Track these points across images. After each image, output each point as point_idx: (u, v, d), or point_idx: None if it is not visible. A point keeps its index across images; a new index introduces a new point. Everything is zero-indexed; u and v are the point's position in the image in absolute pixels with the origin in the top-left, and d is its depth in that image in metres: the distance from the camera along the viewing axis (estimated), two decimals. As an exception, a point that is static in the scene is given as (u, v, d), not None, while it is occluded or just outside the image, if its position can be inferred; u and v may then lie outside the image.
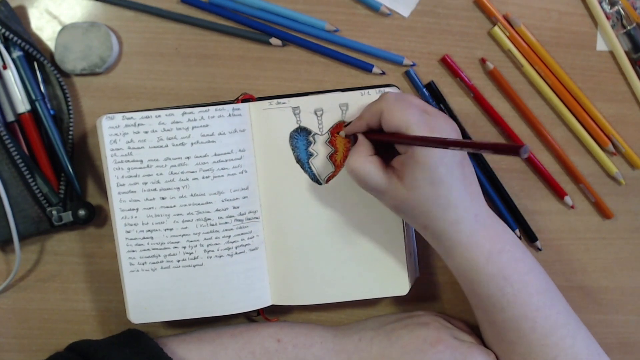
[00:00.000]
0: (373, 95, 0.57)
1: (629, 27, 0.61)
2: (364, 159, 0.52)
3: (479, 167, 0.63)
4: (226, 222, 0.59)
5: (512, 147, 0.40)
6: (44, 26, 0.62)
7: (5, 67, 0.59)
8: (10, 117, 0.60)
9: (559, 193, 0.64)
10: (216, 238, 0.59)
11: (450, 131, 0.52)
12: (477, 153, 0.46)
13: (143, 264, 0.59)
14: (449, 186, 0.51)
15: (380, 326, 0.60)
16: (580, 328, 0.55)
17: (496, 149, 0.41)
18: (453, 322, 0.62)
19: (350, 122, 0.57)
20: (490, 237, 0.53)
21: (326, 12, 0.62)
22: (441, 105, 0.62)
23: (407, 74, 0.62)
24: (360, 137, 0.54)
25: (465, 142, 0.45)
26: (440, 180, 0.50)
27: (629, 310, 0.66)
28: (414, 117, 0.50)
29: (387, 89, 0.57)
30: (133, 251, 0.58)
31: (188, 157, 0.58)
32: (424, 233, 0.54)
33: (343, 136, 0.58)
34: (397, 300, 0.64)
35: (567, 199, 0.63)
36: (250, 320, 0.65)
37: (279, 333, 0.60)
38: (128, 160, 0.58)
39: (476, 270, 0.53)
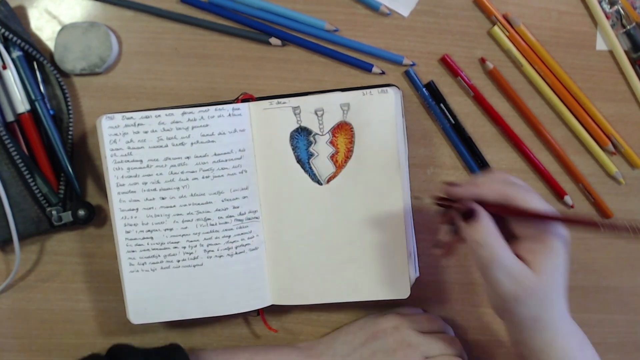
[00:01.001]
0: (374, 94, 0.57)
1: (628, 27, 0.61)
2: (496, 233, 0.48)
3: (478, 167, 0.63)
4: (226, 222, 0.59)
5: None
6: (44, 26, 0.62)
7: (5, 67, 0.59)
8: (10, 117, 0.60)
9: (558, 193, 0.64)
10: (216, 238, 0.59)
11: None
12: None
13: (143, 264, 0.59)
14: (563, 274, 0.49)
15: (349, 353, 0.60)
16: None
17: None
18: (420, 321, 0.62)
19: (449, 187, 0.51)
20: (575, 323, 0.52)
21: (326, 12, 0.62)
22: (441, 105, 0.62)
23: (407, 74, 0.62)
24: (483, 210, 0.49)
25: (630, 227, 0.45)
26: (565, 268, 0.48)
27: (629, 310, 0.66)
28: (543, 206, 0.48)
29: (387, 89, 0.57)
30: (133, 251, 0.58)
31: (188, 157, 0.58)
32: (525, 324, 0.50)
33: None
34: (397, 300, 0.64)
35: (567, 198, 0.64)
36: (248, 321, 0.65)
37: (253, 357, 0.61)
38: (128, 160, 0.58)
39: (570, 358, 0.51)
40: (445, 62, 0.62)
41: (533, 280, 0.47)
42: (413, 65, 0.62)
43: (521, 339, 0.51)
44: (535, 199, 0.49)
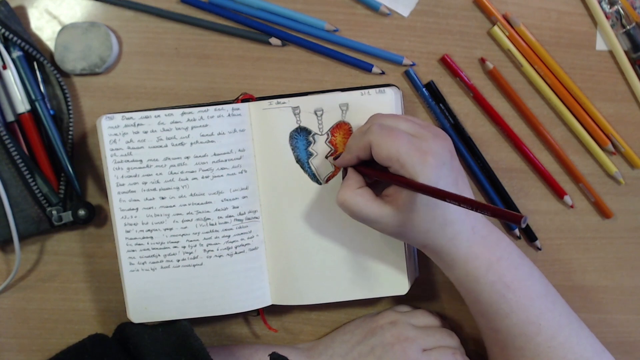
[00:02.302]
0: (374, 95, 0.57)
1: (628, 27, 0.61)
2: (352, 193, 0.53)
3: (477, 167, 0.63)
4: (226, 222, 0.59)
5: (512, 215, 0.41)
6: (44, 26, 0.62)
7: (5, 67, 0.59)
8: (10, 117, 0.60)
9: (558, 193, 0.64)
10: (216, 238, 0.59)
11: (443, 151, 0.51)
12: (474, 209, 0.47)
13: (143, 264, 0.59)
14: (444, 205, 0.51)
15: (347, 351, 0.60)
16: (582, 327, 0.56)
17: (495, 214, 0.43)
18: (416, 315, 0.62)
19: (339, 154, 0.57)
20: (489, 247, 0.54)
21: (326, 11, 0.62)
22: (441, 105, 0.62)
23: (407, 74, 0.62)
24: (350, 171, 0.55)
25: (462, 199, 0.45)
26: (435, 203, 0.51)
27: (629, 309, 0.66)
28: (403, 146, 0.50)
29: (386, 89, 0.57)
30: (133, 251, 0.58)
31: (187, 157, 0.58)
32: (424, 250, 0.55)
33: (330, 168, 0.59)
34: (397, 300, 0.64)
35: (567, 198, 0.64)
36: (248, 321, 0.65)
37: (253, 355, 0.61)
38: (128, 160, 0.58)
39: (477, 280, 0.54)
40: (445, 62, 0.62)
41: (394, 216, 0.51)
42: (413, 65, 0.62)
43: (437, 264, 0.56)
44: (390, 141, 0.50)
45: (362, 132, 0.53)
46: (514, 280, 0.54)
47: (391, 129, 0.51)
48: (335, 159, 0.58)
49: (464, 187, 0.54)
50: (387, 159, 0.50)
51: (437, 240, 0.53)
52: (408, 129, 0.52)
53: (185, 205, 0.58)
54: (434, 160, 0.50)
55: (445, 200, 0.47)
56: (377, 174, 0.53)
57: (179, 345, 0.56)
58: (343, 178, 0.56)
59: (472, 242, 0.53)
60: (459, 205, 0.46)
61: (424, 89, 0.62)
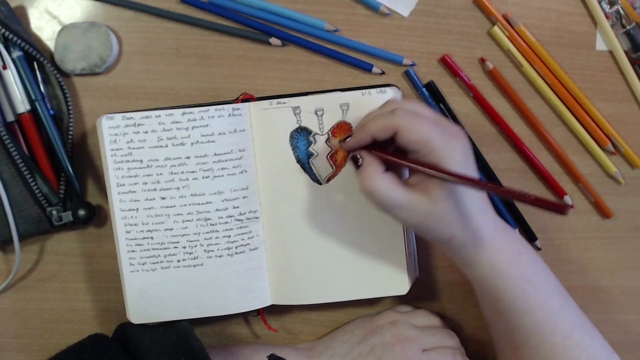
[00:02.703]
0: (374, 95, 0.57)
1: (628, 27, 0.61)
2: (380, 178, 0.50)
3: (477, 167, 0.63)
4: (226, 222, 0.59)
5: (556, 205, 0.41)
6: (44, 26, 0.62)
7: (5, 67, 0.59)
8: (10, 117, 0.60)
9: (558, 193, 0.64)
10: (216, 238, 0.59)
11: (466, 138, 0.51)
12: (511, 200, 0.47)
13: (143, 264, 0.59)
14: (470, 196, 0.51)
15: (347, 351, 0.60)
16: (594, 328, 0.56)
17: (538, 203, 0.42)
18: (416, 315, 0.62)
19: (347, 137, 0.57)
20: (509, 239, 0.54)
21: (326, 11, 0.62)
22: (441, 105, 0.62)
23: (407, 74, 0.62)
24: (367, 154, 0.52)
25: (503, 189, 0.45)
26: (463, 193, 0.50)
27: (629, 309, 0.66)
28: (433, 130, 0.49)
29: (387, 89, 0.57)
30: (133, 251, 0.58)
31: (188, 157, 0.58)
32: (447, 245, 0.53)
33: (336, 144, 0.58)
34: (397, 300, 0.64)
35: (567, 198, 0.64)
36: (248, 321, 0.65)
37: (253, 355, 0.61)
38: (128, 160, 0.58)
39: (500, 274, 0.53)
40: (445, 62, 0.62)
41: (427, 205, 0.50)
42: (413, 65, 0.62)
43: (456, 262, 0.55)
44: (419, 125, 0.50)
45: (384, 114, 0.52)
46: (534, 275, 0.53)
47: (418, 114, 0.51)
48: (341, 142, 0.57)
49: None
50: (416, 142, 0.49)
51: (463, 233, 0.52)
52: (429, 115, 0.52)
53: (185, 205, 0.58)
54: (461, 145, 0.50)
55: (480, 189, 0.47)
56: (403, 160, 0.51)
57: (179, 345, 0.56)
58: (356, 164, 0.52)
59: (494, 235, 0.53)
60: (498, 195, 0.45)
61: (424, 89, 0.62)
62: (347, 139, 0.55)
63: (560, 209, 0.41)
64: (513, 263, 0.53)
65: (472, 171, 0.51)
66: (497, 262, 0.53)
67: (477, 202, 0.52)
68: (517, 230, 0.64)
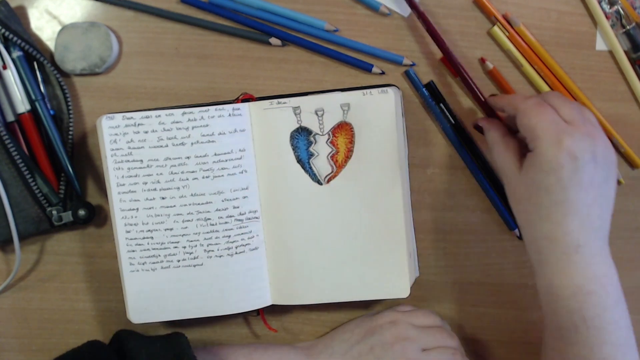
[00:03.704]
0: (375, 95, 0.57)
1: (628, 27, 0.61)
2: (502, 136, 0.55)
3: (477, 167, 0.63)
4: (226, 222, 0.59)
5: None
6: (44, 26, 0.62)
7: (5, 67, 0.59)
8: (10, 117, 0.60)
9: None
10: (216, 238, 0.59)
11: (587, 146, 0.49)
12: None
13: (143, 264, 0.59)
14: (563, 187, 0.50)
15: (347, 350, 0.60)
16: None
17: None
18: (416, 315, 0.62)
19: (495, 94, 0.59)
20: (584, 274, 0.51)
21: (326, 11, 0.62)
22: (441, 105, 0.62)
23: (407, 74, 0.62)
24: (491, 126, 0.57)
25: None
26: (557, 177, 0.49)
27: (630, 309, 0.66)
28: (545, 120, 0.50)
29: (389, 89, 0.57)
30: (133, 251, 0.58)
31: (188, 157, 0.58)
32: (526, 238, 0.54)
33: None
34: (397, 300, 0.64)
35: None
36: (248, 321, 0.65)
37: (252, 354, 0.61)
38: (128, 160, 0.58)
39: (555, 300, 0.52)
40: (445, 63, 0.62)
41: (513, 172, 0.53)
42: (413, 65, 0.62)
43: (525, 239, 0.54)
44: (536, 111, 0.51)
45: (526, 97, 0.53)
46: (595, 318, 0.51)
47: (543, 103, 0.51)
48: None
49: (599, 213, 0.51)
50: (526, 128, 0.51)
51: (531, 230, 0.52)
52: (566, 115, 0.51)
53: (185, 205, 0.58)
54: (570, 145, 0.49)
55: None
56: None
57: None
58: (482, 129, 0.58)
59: (567, 257, 0.51)
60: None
61: (423, 89, 0.62)
62: (492, 96, 0.59)
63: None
64: (575, 297, 0.51)
65: (570, 180, 0.49)
66: (557, 286, 0.51)
67: (573, 207, 0.50)
68: (516, 230, 0.64)
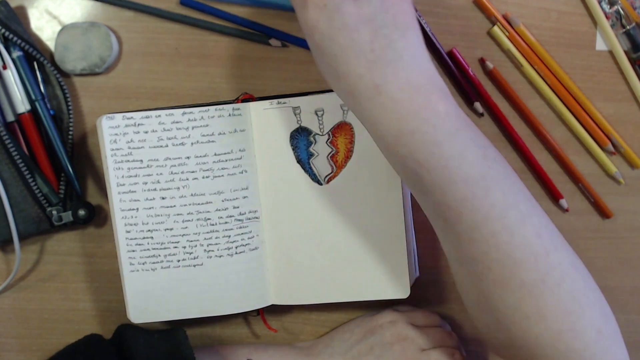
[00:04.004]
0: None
1: (628, 27, 0.61)
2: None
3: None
4: (226, 222, 0.59)
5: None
6: (44, 26, 0.62)
7: (5, 67, 0.59)
8: (10, 117, 0.60)
9: (555, 195, 0.63)
10: (216, 238, 0.59)
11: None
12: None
13: (143, 264, 0.59)
14: (331, 39, 0.44)
15: (347, 350, 0.60)
16: (532, 223, 0.46)
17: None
18: (416, 315, 0.62)
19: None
20: (402, 115, 0.44)
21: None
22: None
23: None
24: None
25: None
26: (323, 46, 0.44)
27: (629, 310, 0.66)
28: None
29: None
30: (133, 251, 0.58)
31: (188, 157, 0.58)
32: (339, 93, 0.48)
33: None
34: (397, 300, 0.64)
35: (563, 202, 0.63)
36: (248, 321, 0.65)
37: (252, 354, 0.61)
38: (128, 160, 0.58)
39: (386, 150, 0.46)
40: (454, 56, 0.62)
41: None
42: None
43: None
44: None
45: None
46: (430, 159, 0.44)
47: None
48: None
49: (388, 43, 0.44)
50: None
51: (338, 90, 0.46)
52: None
53: (185, 205, 0.58)
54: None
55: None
56: None
57: (171, 353, 0.56)
58: None
59: (376, 104, 0.44)
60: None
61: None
62: None
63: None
64: (400, 142, 0.44)
65: (330, 28, 0.44)
66: (379, 136, 0.45)
67: (353, 56, 0.44)
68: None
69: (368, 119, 0.45)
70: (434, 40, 0.61)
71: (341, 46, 0.44)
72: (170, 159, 0.58)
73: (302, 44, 0.62)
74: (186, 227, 0.58)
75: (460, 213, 0.45)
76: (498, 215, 0.45)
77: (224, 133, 0.58)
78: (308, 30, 0.45)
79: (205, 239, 0.59)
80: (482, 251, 0.46)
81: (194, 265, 0.59)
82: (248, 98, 0.60)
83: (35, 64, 0.60)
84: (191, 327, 0.64)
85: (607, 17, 0.62)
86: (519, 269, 0.45)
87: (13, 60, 0.59)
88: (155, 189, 0.58)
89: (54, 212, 0.60)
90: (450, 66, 0.62)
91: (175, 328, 0.59)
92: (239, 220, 0.59)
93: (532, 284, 0.46)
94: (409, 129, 0.44)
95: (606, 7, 0.62)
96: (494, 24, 0.62)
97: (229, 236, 0.59)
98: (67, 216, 0.60)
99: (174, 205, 0.58)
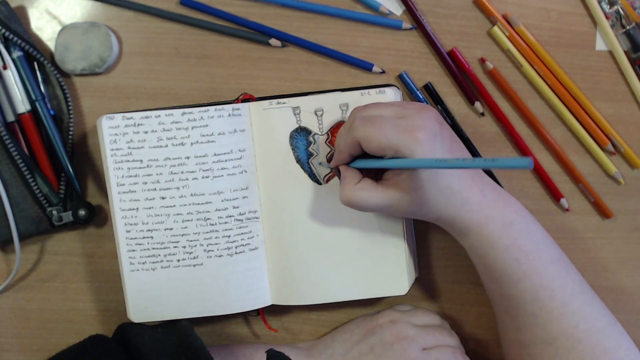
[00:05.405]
0: (373, 95, 0.57)
1: (628, 27, 0.61)
2: (353, 189, 0.53)
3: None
4: (226, 222, 0.59)
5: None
6: (44, 26, 0.62)
7: (5, 67, 0.59)
8: (11, 117, 0.60)
9: (555, 195, 0.63)
10: (216, 238, 0.59)
11: (430, 123, 0.51)
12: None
13: (143, 264, 0.59)
14: (446, 175, 0.52)
15: (347, 350, 0.61)
16: (595, 297, 0.56)
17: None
18: (416, 314, 0.62)
19: (331, 155, 0.58)
20: (500, 210, 0.54)
21: (326, 12, 0.62)
22: (439, 107, 0.62)
23: (400, 78, 0.62)
24: (344, 169, 0.55)
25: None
26: (436, 175, 0.51)
27: (630, 309, 0.66)
28: (390, 131, 0.50)
29: (386, 89, 0.57)
30: (133, 251, 0.58)
31: (188, 157, 0.58)
32: (439, 223, 0.55)
33: (328, 169, 0.58)
34: (397, 299, 0.64)
35: (563, 201, 0.63)
36: (248, 321, 0.65)
37: (253, 355, 0.61)
38: (128, 160, 0.58)
39: (490, 244, 0.53)
40: (455, 56, 0.62)
41: (401, 198, 0.52)
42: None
43: (452, 234, 0.56)
44: (375, 131, 0.51)
45: (347, 130, 0.53)
46: (528, 244, 0.53)
47: (373, 118, 0.51)
48: (329, 161, 0.58)
49: (462, 153, 0.54)
50: (379, 149, 0.51)
51: (448, 210, 0.53)
52: (390, 113, 0.52)
53: (185, 205, 0.58)
54: (423, 135, 0.50)
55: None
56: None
57: (180, 345, 0.56)
58: (339, 177, 0.56)
59: (484, 207, 0.53)
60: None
61: (418, 92, 0.62)
62: (329, 158, 0.58)
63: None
64: (504, 233, 0.53)
65: (442, 153, 0.51)
66: (486, 233, 0.53)
67: (459, 177, 0.52)
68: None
69: (477, 220, 0.53)
70: (435, 40, 0.61)
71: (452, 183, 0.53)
72: (170, 159, 0.58)
73: (301, 43, 0.62)
74: (186, 227, 0.58)
75: (552, 290, 0.53)
76: (579, 290, 0.55)
77: (224, 133, 0.58)
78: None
79: (205, 238, 0.59)
80: (573, 324, 0.54)
81: (194, 265, 0.59)
82: (248, 98, 0.60)
83: (35, 64, 0.60)
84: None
85: (607, 17, 0.62)
86: (603, 337, 0.54)
87: (13, 60, 0.59)
88: (155, 189, 0.58)
89: (54, 212, 0.60)
90: (450, 66, 0.62)
91: (178, 320, 0.59)
92: (239, 220, 0.59)
93: (612, 350, 0.54)
94: (509, 220, 0.54)
95: (606, 7, 0.62)
96: (494, 24, 0.62)
97: (229, 236, 0.59)
98: (67, 216, 0.60)
99: (174, 205, 0.58)
